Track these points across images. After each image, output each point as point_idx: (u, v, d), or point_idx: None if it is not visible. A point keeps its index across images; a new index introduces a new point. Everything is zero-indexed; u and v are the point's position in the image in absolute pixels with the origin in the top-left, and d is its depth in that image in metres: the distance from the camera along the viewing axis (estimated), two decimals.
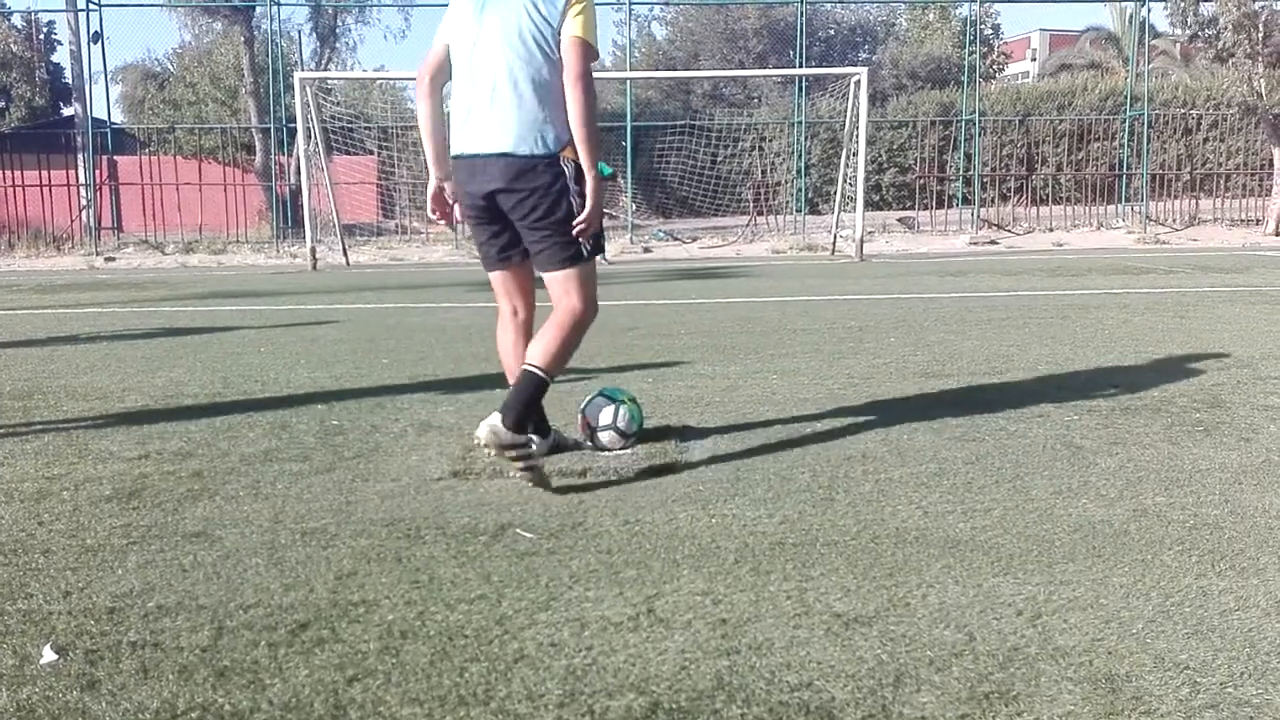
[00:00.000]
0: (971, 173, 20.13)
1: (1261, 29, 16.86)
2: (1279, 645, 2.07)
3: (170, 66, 29.71)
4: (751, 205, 20.03)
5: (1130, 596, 2.32)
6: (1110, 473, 3.30)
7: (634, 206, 20.17)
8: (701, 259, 15.77)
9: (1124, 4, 29.15)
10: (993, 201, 20.75)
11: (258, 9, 21.18)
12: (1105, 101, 22.99)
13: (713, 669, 2.00)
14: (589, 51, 3.12)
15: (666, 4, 31.65)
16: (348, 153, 18.26)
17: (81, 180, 19.48)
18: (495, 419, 3.07)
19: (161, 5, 21.55)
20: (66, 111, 27.50)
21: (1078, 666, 1.99)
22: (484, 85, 3.17)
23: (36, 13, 30.16)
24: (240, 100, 23.61)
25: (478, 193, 3.24)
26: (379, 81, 24.13)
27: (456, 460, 3.56)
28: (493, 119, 3.16)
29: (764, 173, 21.61)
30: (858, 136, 14.51)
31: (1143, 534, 2.73)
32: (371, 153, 19.85)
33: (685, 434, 3.89)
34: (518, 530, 2.83)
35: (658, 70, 30.32)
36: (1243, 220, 19.62)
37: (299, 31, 25.13)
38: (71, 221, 19.12)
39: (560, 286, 3.25)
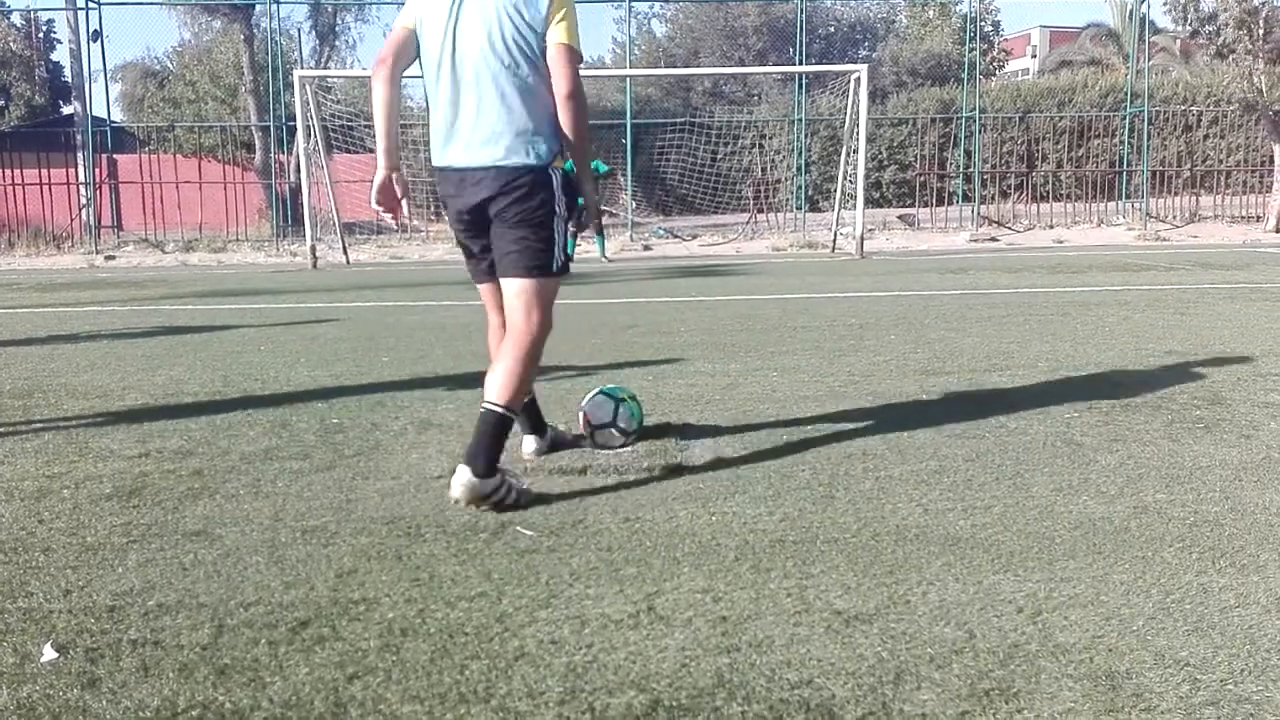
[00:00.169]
0: (972, 170, 20.13)
1: (1262, 25, 16.83)
2: (1279, 642, 2.07)
3: (170, 65, 29.69)
4: (751, 203, 20.02)
5: (1130, 593, 2.32)
6: (1110, 470, 3.31)
7: (634, 204, 20.15)
8: (701, 256, 15.76)
9: (1124, 0, 29.16)
10: (993, 198, 20.75)
11: (257, 7, 21.14)
12: (1105, 98, 22.93)
13: (713, 666, 2.00)
14: (576, 58, 3.07)
15: (666, 1, 31.66)
16: (347, 151, 18.23)
17: (81, 179, 19.47)
18: (465, 474, 2.93)
19: (161, 3, 21.51)
20: (66, 110, 27.46)
21: (1078, 663, 1.99)
22: (468, 95, 3.07)
23: (36, 11, 30.12)
24: (240, 98, 23.59)
25: (465, 206, 3.14)
26: None
27: (457, 458, 3.52)
28: (481, 131, 3.06)
29: (764, 170, 21.60)
30: (858, 134, 14.50)
31: (1143, 531, 2.73)
32: (371, 151, 19.66)
33: (685, 432, 3.89)
34: (518, 528, 2.83)
35: (658, 68, 30.27)
36: (1243, 217, 19.60)
37: (298, 29, 25.05)
38: (71, 220, 19.12)
39: (519, 299, 3.12)
